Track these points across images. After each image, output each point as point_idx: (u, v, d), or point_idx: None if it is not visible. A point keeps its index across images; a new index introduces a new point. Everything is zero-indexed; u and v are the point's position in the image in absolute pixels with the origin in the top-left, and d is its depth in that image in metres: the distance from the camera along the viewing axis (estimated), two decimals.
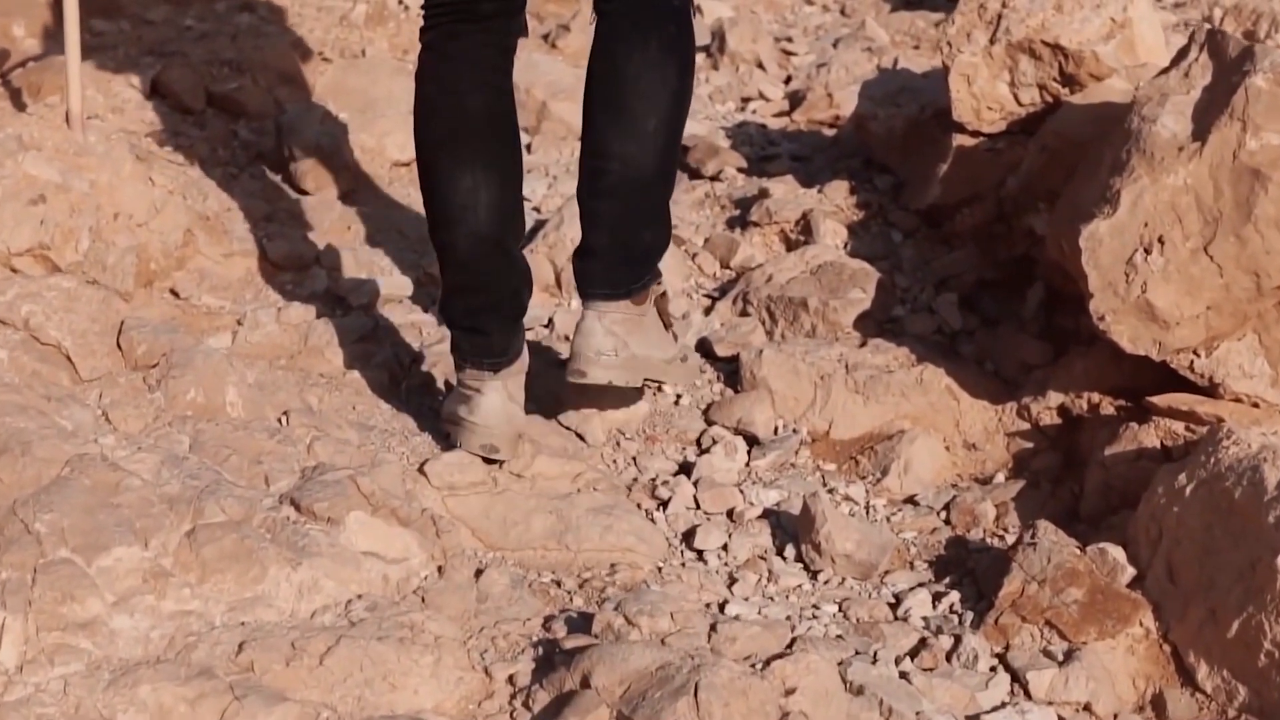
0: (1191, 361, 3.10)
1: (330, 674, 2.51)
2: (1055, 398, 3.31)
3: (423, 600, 2.76)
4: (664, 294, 3.34)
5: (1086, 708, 2.62)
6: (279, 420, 3.14)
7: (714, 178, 4.46)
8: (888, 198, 4.17)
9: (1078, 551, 2.80)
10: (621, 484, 3.24)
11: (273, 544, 2.71)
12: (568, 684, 2.50)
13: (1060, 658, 2.68)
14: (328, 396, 3.31)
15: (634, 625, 2.65)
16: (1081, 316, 3.23)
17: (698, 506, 3.20)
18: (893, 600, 2.91)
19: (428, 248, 3.32)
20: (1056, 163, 3.61)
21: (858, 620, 2.84)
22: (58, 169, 3.55)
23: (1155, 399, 3.12)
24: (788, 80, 5.31)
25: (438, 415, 3.24)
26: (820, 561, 2.99)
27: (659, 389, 3.53)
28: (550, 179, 4.50)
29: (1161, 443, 3.07)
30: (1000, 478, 3.27)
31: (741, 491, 3.22)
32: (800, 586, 2.96)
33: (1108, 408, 3.23)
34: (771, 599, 2.91)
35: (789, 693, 2.46)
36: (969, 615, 2.82)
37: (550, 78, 4.90)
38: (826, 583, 2.97)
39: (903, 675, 2.65)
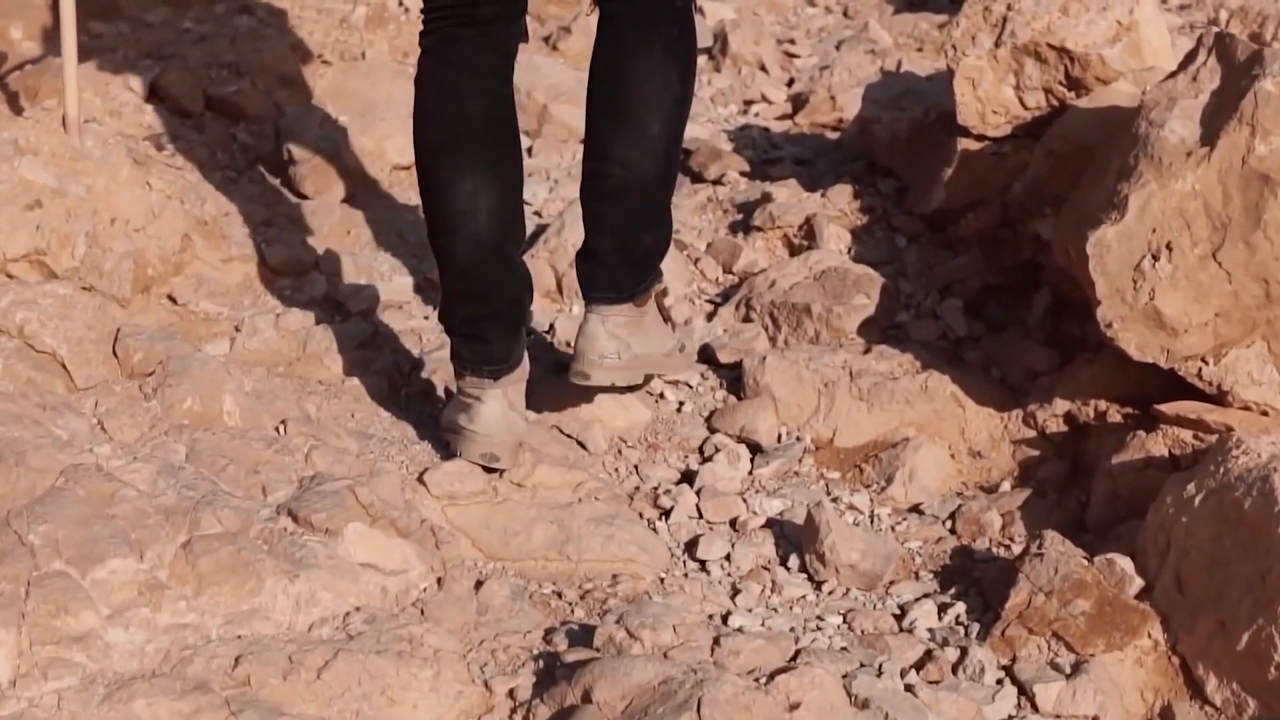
0: (1200, 369, 3.07)
1: (328, 688, 2.49)
2: (1062, 405, 3.28)
3: (422, 613, 2.73)
4: (664, 289, 3.36)
5: None
6: (277, 429, 3.11)
7: (716, 181, 4.43)
8: (892, 202, 4.14)
9: (1085, 562, 2.77)
10: (623, 493, 3.21)
11: (270, 556, 2.69)
12: (569, 698, 2.48)
13: (1068, 670, 2.65)
14: (326, 404, 3.28)
15: (636, 638, 2.62)
16: (1088, 323, 3.21)
17: (700, 516, 3.17)
18: (898, 611, 2.88)
19: (428, 252, 3.30)
20: (1063, 167, 3.59)
21: (862, 632, 2.81)
22: (54, 173, 3.53)
23: (1163, 407, 3.09)
24: (790, 83, 5.28)
25: (437, 423, 3.21)
26: (824, 572, 2.96)
27: (661, 396, 3.51)
28: (551, 182, 4.47)
29: (1169, 451, 3.05)
30: (1006, 486, 3.24)
31: (745, 500, 3.20)
32: (804, 597, 2.93)
33: (1115, 415, 3.21)
34: (775, 610, 2.88)
35: (793, 707, 2.44)
36: (975, 627, 2.80)
37: (551, 80, 4.87)
38: (831, 593, 2.94)
39: (908, 688, 2.63)
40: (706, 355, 3.64)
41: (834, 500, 3.21)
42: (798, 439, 3.39)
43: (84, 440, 2.92)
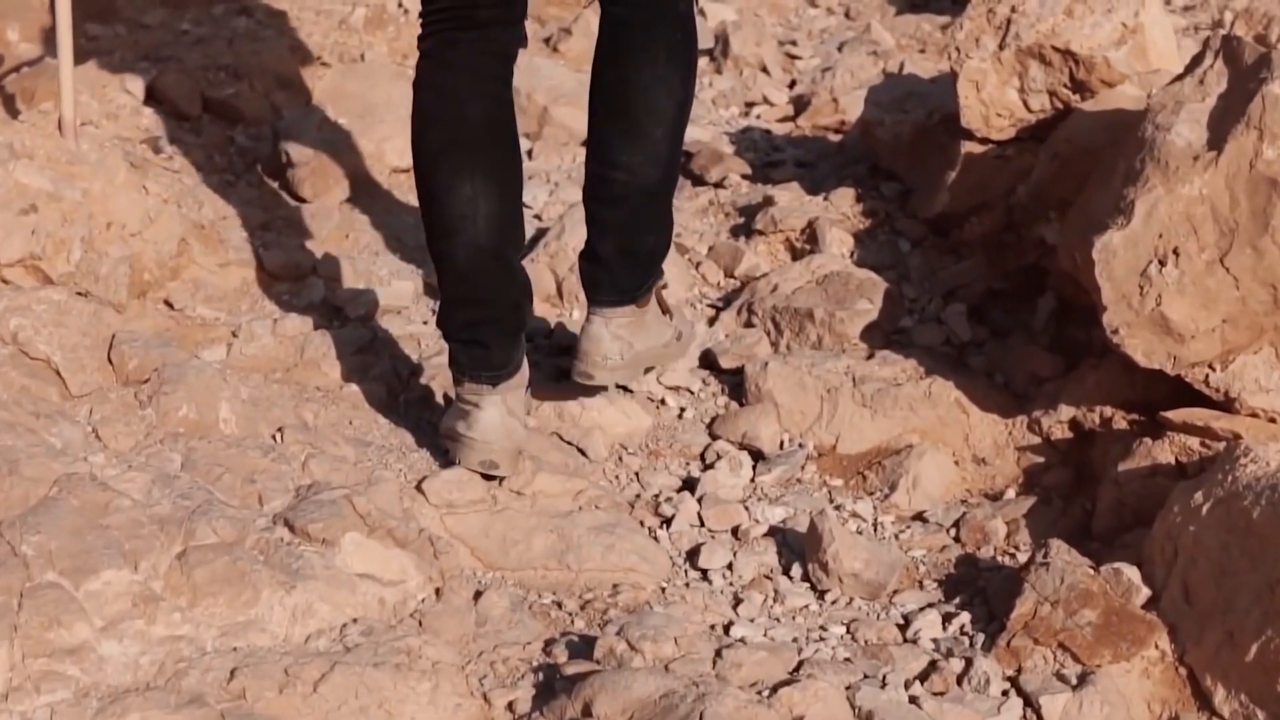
0: (1207, 375, 3.04)
1: (324, 701, 2.46)
2: (1067, 411, 3.25)
3: (420, 624, 2.71)
4: (664, 285, 3.39)
5: None
6: (273, 437, 3.09)
7: (718, 185, 4.40)
8: (895, 206, 4.11)
9: (1091, 572, 2.74)
10: (624, 501, 3.18)
11: (266, 566, 2.66)
12: (569, 712, 2.45)
13: (1074, 681, 2.62)
14: (324, 411, 3.25)
15: (637, 651, 2.60)
16: (1093, 328, 3.18)
17: (702, 524, 3.14)
18: (902, 621, 2.85)
19: (427, 257, 3.28)
20: (1068, 171, 3.56)
21: (866, 642, 2.78)
22: (49, 177, 3.51)
23: (1170, 414, 3.06)
24: (792, 85, 5.25)
25: (436, 430, 3.18)
26: (827, 581, 2.93)
27: (662, 402, 3.48)
28: (552, 185, 4.44)
29: (1176, 458, 3.02)
30: (1011, 494, 3.21)
31: (747, 508, 3.17)
32: (807, 607, 2.90)
33: (1121, 422, 3.18)
34: (778, 620, 2.85)
35: None
36: (980, 637, 2.77)
37: (551, 82, 4.84)
38: (834, 603, 2.91)
39: (913, 700, 2.60)
40: (708, 360, 3.62)
41: (837, 508, 3.19)
42: (800, 446, 3.36)
43: (78, 449, 2.89)
